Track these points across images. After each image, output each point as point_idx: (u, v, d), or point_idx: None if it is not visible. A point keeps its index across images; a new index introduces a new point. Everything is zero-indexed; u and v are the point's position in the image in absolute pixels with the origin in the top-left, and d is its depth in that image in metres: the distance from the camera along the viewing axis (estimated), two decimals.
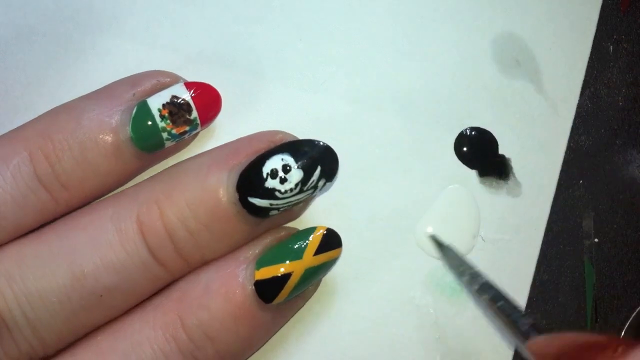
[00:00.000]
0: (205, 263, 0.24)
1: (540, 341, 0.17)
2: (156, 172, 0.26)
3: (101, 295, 0.22)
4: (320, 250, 0.24)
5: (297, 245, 0.24)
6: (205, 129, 0.26)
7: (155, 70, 0.26)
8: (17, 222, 0.23)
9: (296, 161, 0.23)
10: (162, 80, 0.25)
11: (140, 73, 0.25)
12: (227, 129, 0.27)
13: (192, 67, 0.27)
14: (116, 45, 0.27)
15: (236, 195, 0.23)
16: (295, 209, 0.25)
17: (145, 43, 0.27)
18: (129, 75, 0.26)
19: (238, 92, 0.27)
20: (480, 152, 0.29)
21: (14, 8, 0.27)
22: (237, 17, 0.28)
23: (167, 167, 0.25)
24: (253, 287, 0.23)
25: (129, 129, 0.23)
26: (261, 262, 0.23)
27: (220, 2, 0.28)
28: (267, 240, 0.24)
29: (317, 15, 0.28)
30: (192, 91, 0.24)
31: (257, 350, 0.26)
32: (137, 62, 0.27)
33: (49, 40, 0.27)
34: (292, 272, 0.23)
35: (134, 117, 0.23)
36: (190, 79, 0.26)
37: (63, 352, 0.23)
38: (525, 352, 0.18)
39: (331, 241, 0.24)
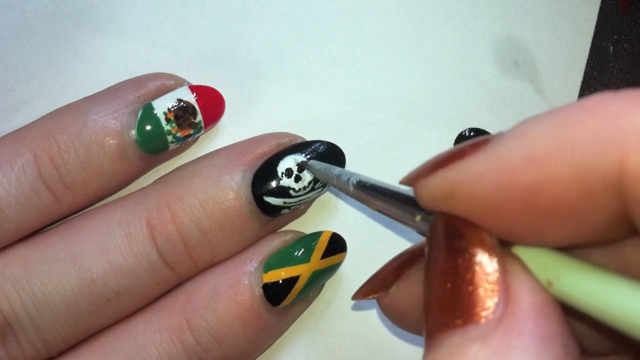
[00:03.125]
0: (212, 264, 0.24)
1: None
2: (158, 173, 0.26)
3: (109, 300, 0.22)
4: (327, 253, 0.24)
5: (304, 249, 0.24)
6: None
7: (159, 73, 0.26)
8: (20, 223, 0.23)
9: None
10: (166, 82, 0.25)
11: (144, 75, 0.25)
12: (227, 128, 0.27)
13: (192, 68, 0.27)
14: (116, 45, 0.27)
15: (251, 194, 0.23)
16: (301, 207, 0.26)
17: (145, 43, 0.27)
18: (129, 75, 0.26)
19: (238, 93, 0.27)
20: None
21: (14, 8, 0.27)
22: (237, 18, 0.28)
23: (170, 169, 0.25)
24: (261, 290, 0.23)
25: (134, 131, 0.23)
26: (269, 265, 0.23)
27: (220, 2, 0.28)
28: (274, 244, 0.24)
29: (317, 15, 0.28)
30: (197, 95, 0.24)
31: (262, 353, 0.26)
32: (137, 62, 0.27)
33: (49, 40, 0.27)
34: (300, 274, 0.23)
35: (139, 120, 0.23)
36: (190, 79, 0.26)
37: (66, 353, 0.23)
38: (421, 220, 0.16)
39: (337, 245, 0.25)
